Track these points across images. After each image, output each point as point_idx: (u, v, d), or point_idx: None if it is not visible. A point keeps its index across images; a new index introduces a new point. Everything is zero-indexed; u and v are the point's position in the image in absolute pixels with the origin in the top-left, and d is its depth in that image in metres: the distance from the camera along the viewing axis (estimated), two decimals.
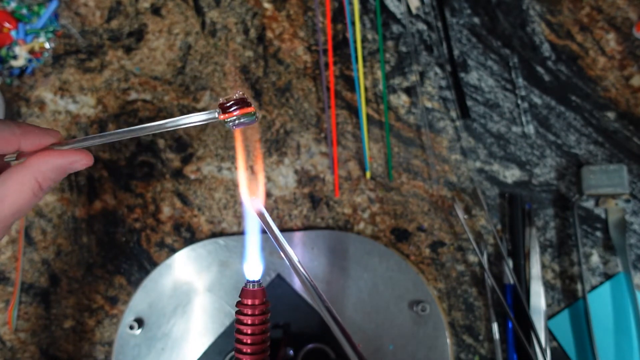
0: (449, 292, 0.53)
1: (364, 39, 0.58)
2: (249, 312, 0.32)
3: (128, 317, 0.53)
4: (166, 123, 0.29)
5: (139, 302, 0.53)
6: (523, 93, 0.55)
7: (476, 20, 0.58)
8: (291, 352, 0.49)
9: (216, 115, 0.28)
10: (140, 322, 0.52)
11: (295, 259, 0.30)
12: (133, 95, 0.59)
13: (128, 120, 0.59)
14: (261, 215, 0.31)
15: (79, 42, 0.61)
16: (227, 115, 0.28)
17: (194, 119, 0.29)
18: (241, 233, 0.56)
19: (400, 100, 0.57)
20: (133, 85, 0.59)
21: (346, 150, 0.56)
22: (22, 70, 0.61)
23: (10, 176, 0.30)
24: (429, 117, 0.56)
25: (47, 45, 0.61)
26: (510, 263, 0.52)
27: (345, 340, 0.27)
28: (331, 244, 0.53)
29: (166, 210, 0.57)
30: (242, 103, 0.28)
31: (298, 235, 0.53)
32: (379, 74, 0.57)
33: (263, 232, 0.33)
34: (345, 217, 0.55)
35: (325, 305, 0.28)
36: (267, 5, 0.60)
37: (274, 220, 0.57)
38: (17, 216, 0.31)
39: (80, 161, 0.32)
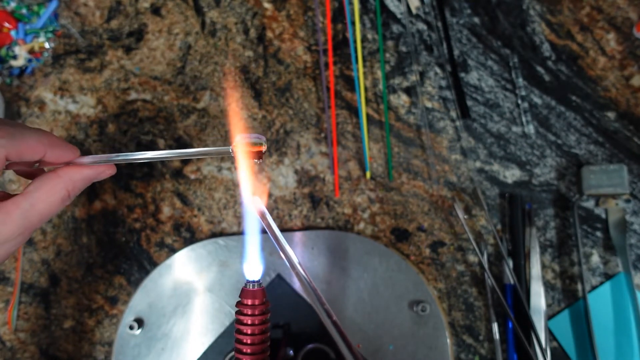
0: (449, 292, 0.53)
1: (364, 39, 0.58)
2: (249, 312, 0.32)
3: (128, 317, 0.53)
4: (183, 152, 0.33)
5: (139, 302, 0.53)
6: (523, 93, 0.55)
7: (476, 20, 0.58)
8: (291, 352, 0.49)
9: (230, 150, 0.31)
10: (140, 322, 0.52)
11: (295, 259, 0.30)
12: (133, 95, 0.59)
13: (128, 120, 0.59)
14: (262, 215, 0.31)
15: (78, 42, 0.61)
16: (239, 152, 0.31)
17: (210, 151, 0.32)
18: (241, 233, 0.56)
19: (400, 100, 0.57)
20: (133, 85, 0.59)
21: (346, 150, 0.56)
22: (22, 70, 0.61)
23: (43, 183, 0.32)
24: (429, 117, 0.56)
25: (47, 45, 0.60)
26: (510, 263, 0.52)
27: (343, 342, 0.27)
28: (331, 244, 0.53)
29: (166, 210, 0.57)
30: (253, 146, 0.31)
31: (298, 235, 0.53)
32: (379, 74, 0.57)
33: (263, 232, 0.33)
34: (345, 217, 0.55)
35: (324, 307, 0.28)
36: (267, 5, 0.60)
37: (274, 220, 0.57)
38: (43, 221, 0.32)
39: (106, 171, 0.34)
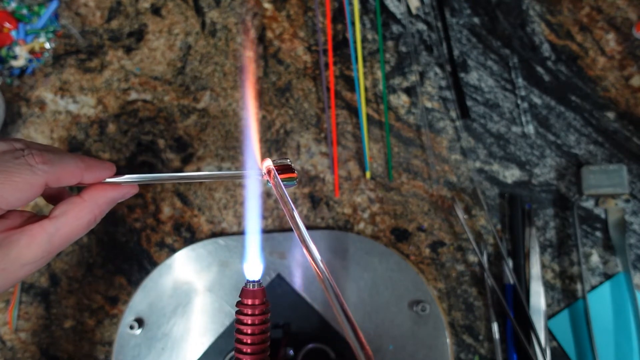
0: (449, 292, 0.53)
1: (364, 39, 0.58)
2: (249, 312, 0.32)
3: (128, 317, 0.53)
4: (210, 174, 0.34)
5: (139, 302, 0.53)
6: (523, 93, 0.55)
7: (476, 20, 0.58)
8: (291, 352, 0.49)
9: (260, 175, 0.32)
10: (140, 322, 0.52)
11: (302, 225, 0.30)
12: (133, 95, 0.59)
13: (128, 120, 0.59)
14: (269, 173, 0.32)
15: (79, 42, 0.61)
16: (271, 176, 0.32)
17: (238, 174, 0.33)
18: (241, 233, 0.56)
19: (400, 100, 0.57)
20: (133, 85, 0.59)
21: (346, 150, 0.56)
22: (23, 70, 0.61)
23: (70, 208, 0.32)
24: (429, 117, 0.56)
25: (47, 46, 0.61)
26: (510, 263, 0.52)
27: (355, 337, 0.27)
28: (331, 244, 0.53)
29: (166, 210, 0.57)
30: (287, 170, 0.32)
31: None
32: (379, 74, 0.57)
33: (264, 231, 0.33)
34: (345, 217, 0.55)
35: (333, 288, 0.28)
36: (267, 5, 0.60)
37: (274, 220, 0.57)
38: (66, 245, 0.32)
39: (131, 191, 0.34)
